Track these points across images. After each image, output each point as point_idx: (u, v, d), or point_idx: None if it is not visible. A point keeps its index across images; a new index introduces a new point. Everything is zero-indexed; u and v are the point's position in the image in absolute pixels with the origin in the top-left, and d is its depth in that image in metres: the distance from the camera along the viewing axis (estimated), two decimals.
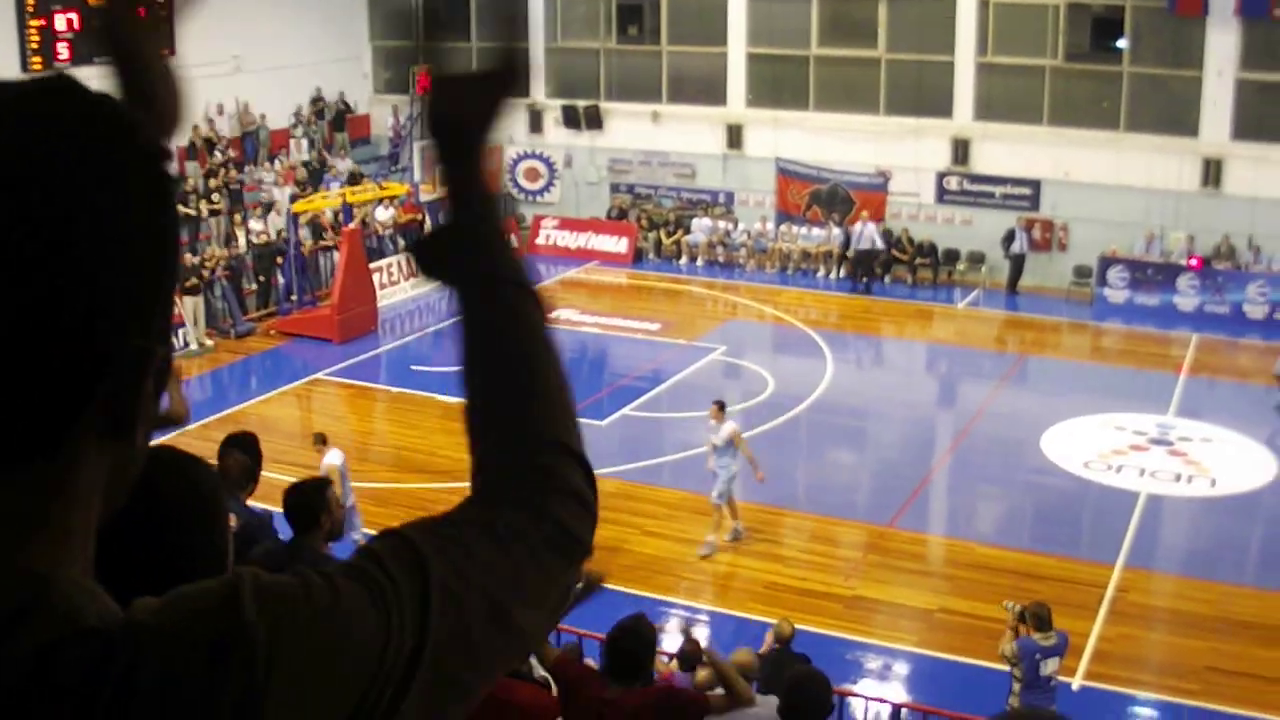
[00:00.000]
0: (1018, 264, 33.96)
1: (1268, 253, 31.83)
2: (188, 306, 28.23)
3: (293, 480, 9.17)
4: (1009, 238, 33.77)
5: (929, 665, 16.46)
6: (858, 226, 34.62)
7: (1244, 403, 25.75)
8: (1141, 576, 18.84)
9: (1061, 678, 14.27)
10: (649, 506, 20.50)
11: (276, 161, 36.05)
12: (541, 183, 40.24)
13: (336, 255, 31.29)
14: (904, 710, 13.93)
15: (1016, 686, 13.57)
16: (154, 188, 1.34)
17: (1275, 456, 23.14)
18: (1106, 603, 17.78)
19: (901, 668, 16.57)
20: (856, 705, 14.17)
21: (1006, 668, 13.77)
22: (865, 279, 34.48)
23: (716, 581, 18.64)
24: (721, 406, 19.52)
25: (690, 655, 12.32)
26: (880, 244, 34.64)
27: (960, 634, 16.87)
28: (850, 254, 35.00)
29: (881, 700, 14.38)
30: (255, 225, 32.23)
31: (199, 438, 17.17)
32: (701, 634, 16.84)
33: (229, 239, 31.94)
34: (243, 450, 7.93)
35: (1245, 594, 18.31)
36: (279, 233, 32.00)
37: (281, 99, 37.21)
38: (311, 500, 8.54)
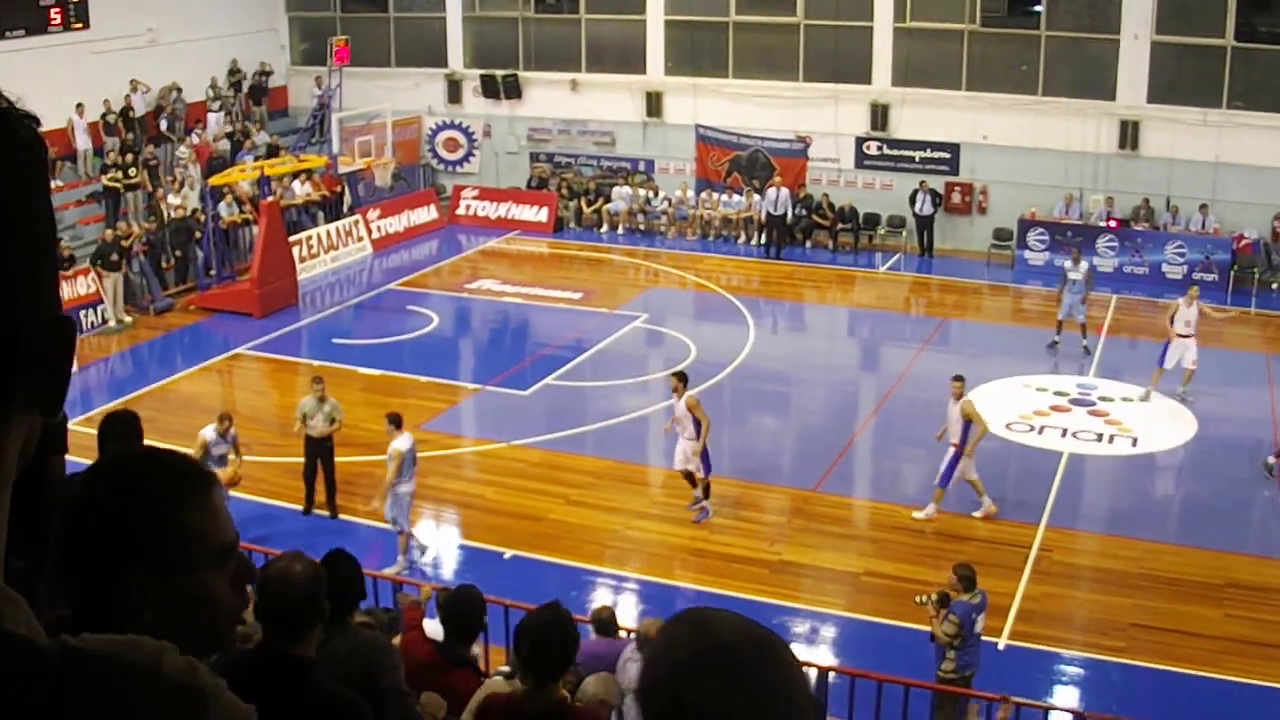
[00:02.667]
0: (923, 225, 34.15)
1: (1185, 213, 32.14)
2: (107, 283, 27.89)
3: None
4: (912, 200, 33.93)
5: (856, 628, 16.51)
6: (771, 192, 34.72)
7: None
8: (1065, 536, 18.99)
9: (987, 637, 14.34)
10: (572, 475, 20.43)
11: (193, 135, 35.56)
12: (461, 153, 40.05)
13: (255, 229, 30.94)
14: (831, 674, 13.91)
15: (954, 648, 13.49)
16: (29, 161, 1.28)
17: (1194, 415, 23.37)
18: (1031, 562, 17.91)
19: (829, 631, 16.59)
20: None
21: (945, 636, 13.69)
22: (777, 244, 34.56)
23: (641, 549, 18.56)
24: (397, 422, 17.79)
25: (606, 621, 12.21)
26: (792, 210, 34.75)
27: (887, 597, 16.92)
28: (762, 218, 35.11)
29: (809, 664, 14.37)
30: (172, 200, 31.77)
31: None
32: (628, 602, 16.85)
33: (149, 214, 31.48)
34: (122, 428, 7.52)
35: (1168, 551, 18.51)
36: (194, 211, 31.56)
37: (197, 71, 36.69)
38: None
